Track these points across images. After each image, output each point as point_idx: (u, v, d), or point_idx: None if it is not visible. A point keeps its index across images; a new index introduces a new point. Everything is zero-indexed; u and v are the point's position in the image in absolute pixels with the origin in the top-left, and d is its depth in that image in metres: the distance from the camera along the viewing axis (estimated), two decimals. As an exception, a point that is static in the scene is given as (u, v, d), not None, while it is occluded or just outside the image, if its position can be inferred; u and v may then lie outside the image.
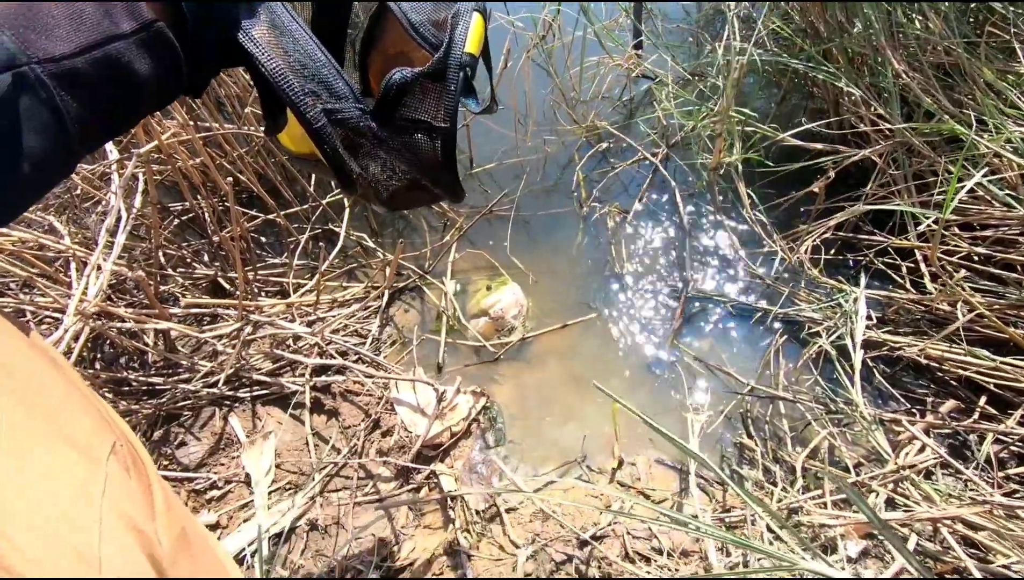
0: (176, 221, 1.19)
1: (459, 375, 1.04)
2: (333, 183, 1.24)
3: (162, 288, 1.09)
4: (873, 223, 1.14)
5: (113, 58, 0.30)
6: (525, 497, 0.88)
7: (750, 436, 0.95)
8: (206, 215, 1.10)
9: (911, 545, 0.75)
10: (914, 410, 0.94)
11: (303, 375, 1.02)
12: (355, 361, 1.04)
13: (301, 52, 0.36)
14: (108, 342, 1.03)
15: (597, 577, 0.79)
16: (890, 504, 0.81)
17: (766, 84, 1.44)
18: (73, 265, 0.94)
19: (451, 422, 0.96)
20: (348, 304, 1.14)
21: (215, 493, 0.92)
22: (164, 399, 0.98)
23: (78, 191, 1.09)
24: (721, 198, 1.27)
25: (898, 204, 1.02)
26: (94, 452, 0.28)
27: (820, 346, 0.98)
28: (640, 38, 1.48)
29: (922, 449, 0.86)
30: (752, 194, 1.19)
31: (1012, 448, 0.86)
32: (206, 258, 1.17)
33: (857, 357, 0.89)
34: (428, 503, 0.89)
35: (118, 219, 0.89)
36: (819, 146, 1.15)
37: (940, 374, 0.96)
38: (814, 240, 1.12)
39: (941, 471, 0.85)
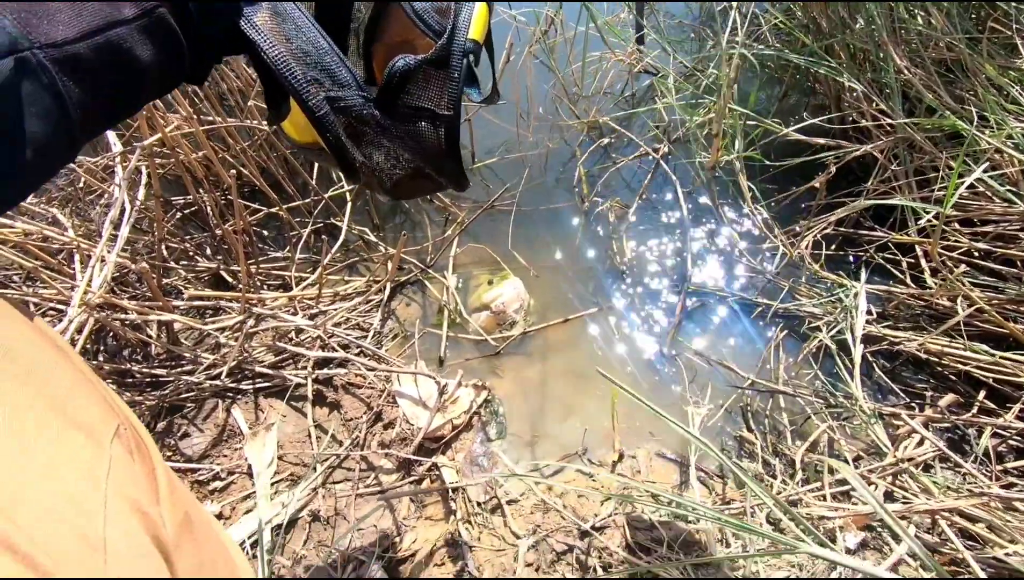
0: (179, 214, 1.19)
1: (460, 369, 1.05)
2: (335, 173, 1.25)
3: (165, 281, 1.09)
4: (874, 218, 1.14)
5: (115, 44, 0.30)
6: (526, 487, 0.89)
7: (750, 430, 0.95)
8: (208, 208, 1.10)
9: (909, 537, 0.75)
10: (913, 404, 0.94)
11: (305, 368, 1.03)
12: (357, 354, 1.05)
13: (304, 39, 0.36)
14: (111, 334, 1.03)
15: (598, 567, 0.80)
16: (889, 497, 0.82)
17: (768, 80, 1.44)
18: (77, 257, 0.95)
19: (452, 415, 0.97)
20: (350, 297, 1.14)
21: (218, 484, 0.92)
22: (167, 391, 0.98)
23: (81, 184, 1.09)
24: (721, 192, 1.27)
25: (899, 199, 1.02)
26: (99, 435, 0.28)
27: (820, 341, 0.98)
28: (642, 32, 1.48)
29: (921, 442, 0.86)
30: (753, 189, 1.19)
31: (1010, 442, 0.87)
32: (208, 251, 1.17)
33: (857, 351, 0.90)
34: (430, 495, 0.90)
35: (122, 211, 0.89)
36: (821, 141, 1.15)
37: (939, 369, 0.97)
38: (815, 235, 1.13)
39: (940, 464, 0.85)
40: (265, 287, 1.15)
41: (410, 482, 0.91)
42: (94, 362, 0.99)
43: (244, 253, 0.99)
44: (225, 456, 0.95)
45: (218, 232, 1.11)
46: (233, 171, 1.12)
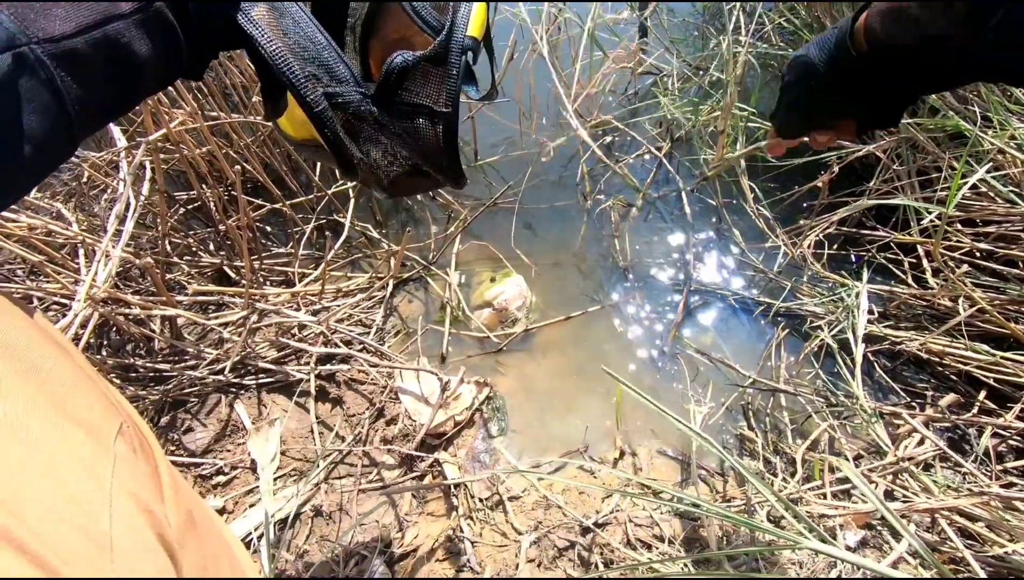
0: (183, 210, 1.20)
1: (463, 365, 1.05)
2: (333, 169, 1.25)
3: (168, 276, 1.10)
4: (876, 218, 1.15)
5: (112, 39, 0.30)
6: (528, 483, 0.89)
7: (751, 428, 0.96)
8: (212, 204, 1.10)
9: (909, 535, 0.76)
10: (914, 403, 0.95)
11: (308, 363, 1.03)
12: (360, 350, 1.05)
13: (301, 34, 0.36)
14: (115, 329, 1.04)
15: (600, 563, 0.80)
16: (889, 495, 0.82)
17: (771, 79, 1.44)
18: (82, 251, 0.95)
19: (455, 411, 0.97)
20: (353, 294, 1.15)
21: (221, 479, 0.93)
22: (171, 386, 0.99)
23: (86, 178, 1.09)
24: (723, 191, 1.27)
25: (901, 199, 1.02)
26: (101, 433, 0.27)
27: (822, 340, 0.99)
28: (645, 30, 1.48)
29: (921, 442, 0.87)
30: (756, 188, 1.19)
31: (1010, 442, 0.87)
32: (212, 247, 1.17)
33: (858, 351, 0.90)
34: (432, 490, 0.90)
35: (126, 206, 0.89)
36: (823, 141, 1.15)
37: (940, 368, 0.97)
38: (817, 235, 1.13)
39: (940, 464, 0.86)
40: (268, 283, 1.16)
41: (412, 478, 0.92)
42: (98, 357, 1.00)
43: (247, 249, 0.99)
44: (228, 451, 0.96)
45: (222, 228, 1.12)
46: (237, 167, 1.12)
